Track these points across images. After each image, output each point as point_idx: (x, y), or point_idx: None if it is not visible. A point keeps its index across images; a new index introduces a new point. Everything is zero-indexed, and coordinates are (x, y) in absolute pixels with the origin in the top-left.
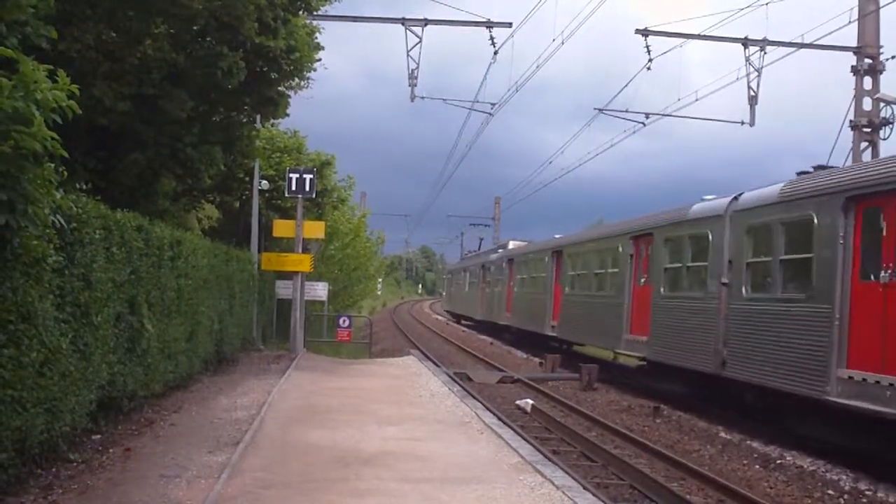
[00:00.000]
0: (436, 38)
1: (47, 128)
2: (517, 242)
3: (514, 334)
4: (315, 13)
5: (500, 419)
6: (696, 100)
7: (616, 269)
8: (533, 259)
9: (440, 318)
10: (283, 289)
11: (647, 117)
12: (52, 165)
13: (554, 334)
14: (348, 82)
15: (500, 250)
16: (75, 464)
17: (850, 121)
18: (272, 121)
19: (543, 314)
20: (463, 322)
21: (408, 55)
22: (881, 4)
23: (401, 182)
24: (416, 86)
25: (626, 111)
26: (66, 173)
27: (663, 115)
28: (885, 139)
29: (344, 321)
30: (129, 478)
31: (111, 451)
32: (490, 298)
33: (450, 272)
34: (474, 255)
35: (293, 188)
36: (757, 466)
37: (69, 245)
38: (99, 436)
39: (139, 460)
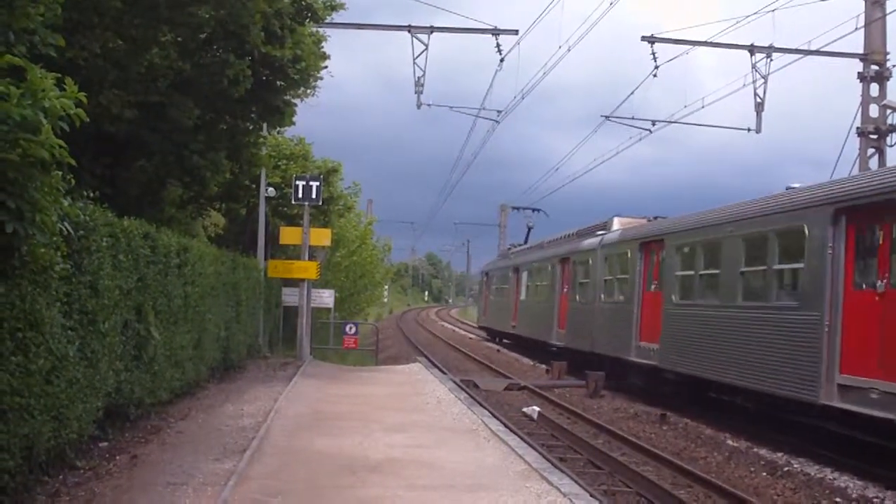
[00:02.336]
0: (442, 46)
1: (55, 135)
2: (629, 220)
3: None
4: (321, 22)
5: (506, 426)
6: (703, 107)
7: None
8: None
9: (447, 325)
10: (290, 296)
11: (654, 124)
12: (60, 173)
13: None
14: (360, 89)
15: (602, 233)
16: (82, 471)
17: (857, 128)
18: (278, 129)
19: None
20: (503, 342)
21: (414, 62)
22: (888, 11)
23: (408, 189)
24: (422, 93)
25: (633, 118)
26: (73, 181)
27: (669, 122)
28: (891, 146)
29: (350, 328)
30: (135, 485)
31: (118, 458)
32: (590, 314)
33: (486, 273)
34: (537, 246)
35: (300, 195)
36: (764, 474)
37: (76, 253)
38: (106, 443)
39: (146, 468)
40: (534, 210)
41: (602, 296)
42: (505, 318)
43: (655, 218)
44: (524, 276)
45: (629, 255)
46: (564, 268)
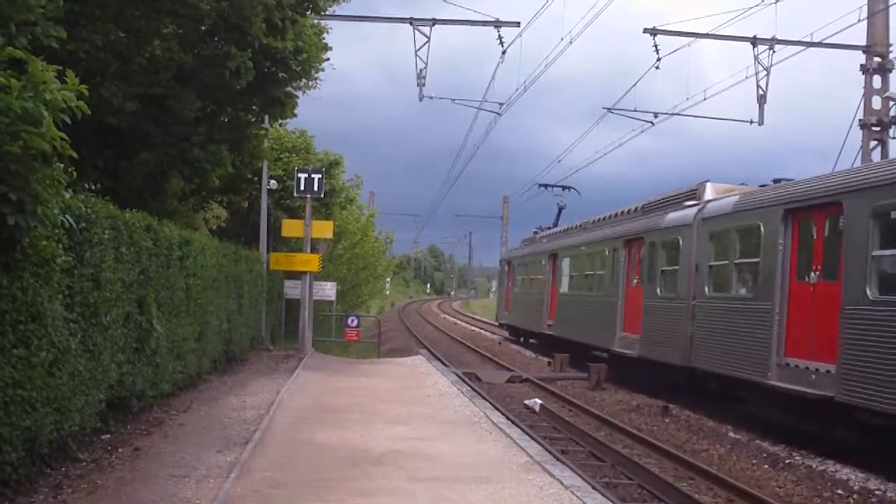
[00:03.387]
0: (444, 38)
1: (56, 128)
2: (728, 187)
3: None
4: (323, 13)
5: (508, 419)
6: (705, 98)
7: None
8: None
9: (448, 317)
10: (292, 288)
11: (656, 116)
12: (62, 165)
13: None
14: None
15: (694, 204)
16: (85, 463)
17: (860, 119)
18: (280, 121)
19: None
20: (530, 343)
21: (416, 55)
22: (890, 3)
23: (410, 181)
24: (424, 85)
25: (635, 110)
26: (75, 173)
27: (672, 114)
28: (894, 138)
29: (352, 321)
30: (138, 477)
31: (120, 450)
32: (682, 313)
33: (507, 262)
34: (577, 228)
35: (302, 188)
36: (766, 466)
37: (78, 245)
38: (108, 435)
39: (148, 460)
40: (564, 188)
41: (707, 288)
42: (535, 315)
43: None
44: (564, 263)
45: (763, 229)
46: (631, 251)
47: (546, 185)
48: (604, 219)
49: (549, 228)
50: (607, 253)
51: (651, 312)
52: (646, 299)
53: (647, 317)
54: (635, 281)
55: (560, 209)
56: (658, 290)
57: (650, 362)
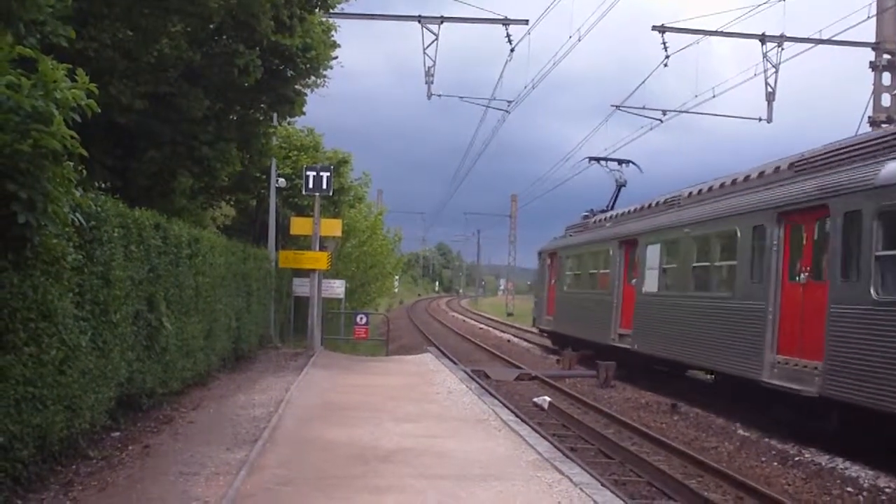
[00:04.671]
0: (453, 36)
1: (66, 126)
2: None
3: None
4: (331, 11)
5: (517, 416)
6: (713, 96)
7: None
8: None
9: (457, 315)
10: (301, 286)
11: (665, 114)
12: (71, 164)
13: None
14: (373, 80)
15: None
16: (95, 461)
17: (869, 117)
18: (288, 119)
19: None
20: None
21: (424, 52)
22: None
23: (418, 179)
24: (432, 83)
25: (644, 107)
26: (84, 172)
27: (680, 111)
28: None
29: (361, 319)
30: (148, 475)
31: (130, 448)
32: None
33: (550, 254)
34: (669, 203)
35: (310, 186)
36: (775, 463)
37: (88, 243)
38: (118, 433)
39: (158, 457)
40: (621, 162)
41: None
42: (598, 321)
43: None
44: (651, 252)
45: None
46: (791, 234)
47: (598, 159)
48: (721, 186)
49: (606, 210)
50: (742, 234)
51: (854, 324)
52: (834, 303)
53: (840, 330)
54: (803, 276)
55: (619, 187)
56: (873, 289)
57: (850, 407)
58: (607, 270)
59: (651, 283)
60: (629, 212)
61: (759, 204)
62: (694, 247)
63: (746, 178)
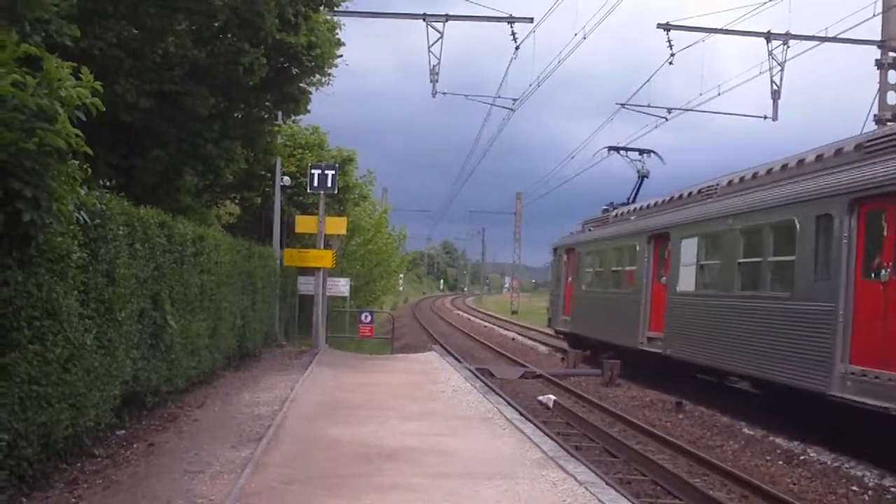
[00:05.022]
0: (458, 34)
1: (71, 125)
2: None
3: None
4: (336, 9)
5: (522, 415)
6: (719, 94)
7: None
8: None
9: (462, 313)
10: (305, 284)
11: (670, 112)
12: (76, 162)
13: None
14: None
15: None
16: (100, 459)
17: (875, 115)
18: (293, 117)
19: None
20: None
21: (429, 51)
22: None
23: (424, 177)
24: (437, 81)
25: (649, 105)
26: (89, 170)
27: (685, 109)
28: None
29: (366, 317)
30: (152, 473)
31: (135, 446)
32: None
33: (567, 250)
34: (707, 192)
35: (315, 184)
36: (780, 462)
37: (93, 241)
38: (123, 431)
39: (163, 455)
40: (642, 152)
41: None
42: (622, 324)
43: None
44: (687, 248)
45: None
46: (867, 223)
47: (619, 149)
48: (768, 173)
49: (628, 203)
50: (802, 225)
51: None
52: None
53: None
54: (885, 272)
55: (641, 178)
56: None
57: None
58: (633, 267)
59: (687, 281)
60: (656, 204)
61: (825, 190)
62: (740, 240)
63: (800, 162)
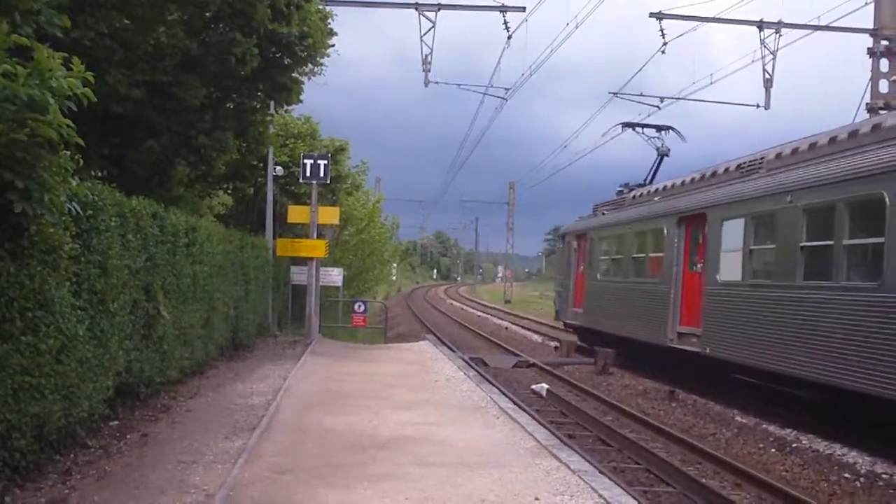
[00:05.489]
0: (450, 23)
1: (62, 115)
2: None
3: None
4: None
5: (515, 404)
6: (711, 83)
7: None
8: None
9: (455, 303)
10: (298, 274)
11: (662, 101)
12: (68, 153)
13: None
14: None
15: None
16: (93, 450)
17: (867, 103)
18: (286, 107)
19: None
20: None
21: (421, 40)
22: None
23: (416, 167)
24: (429, 71)
25: (641, 94)
26: (81, 161)
27: (677, 98)
28: None
29: (359, 306)
30: (146, 463)
31: (128, 437)
32: None
33: (578, 236)
34: (753, 166)
35: (307, 174)
36: (773, 450)
37: (85, 232)
38: (116, 422)
39: (156, 446)
40: (660, 128)
41: None
42: (646, 317)
43: None
44: (730, 231)
45: None
46: None
47: (634, 125)
48: (831, 142)
49: (645, 184)
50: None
51: None
52: None
53: None
54: None
55: (661, 156)
56: None
57: None
58: (660, 254)
59: (731, 269)
60: (683, 183)
61: None
62: (803, 221)
63: (875, 127)
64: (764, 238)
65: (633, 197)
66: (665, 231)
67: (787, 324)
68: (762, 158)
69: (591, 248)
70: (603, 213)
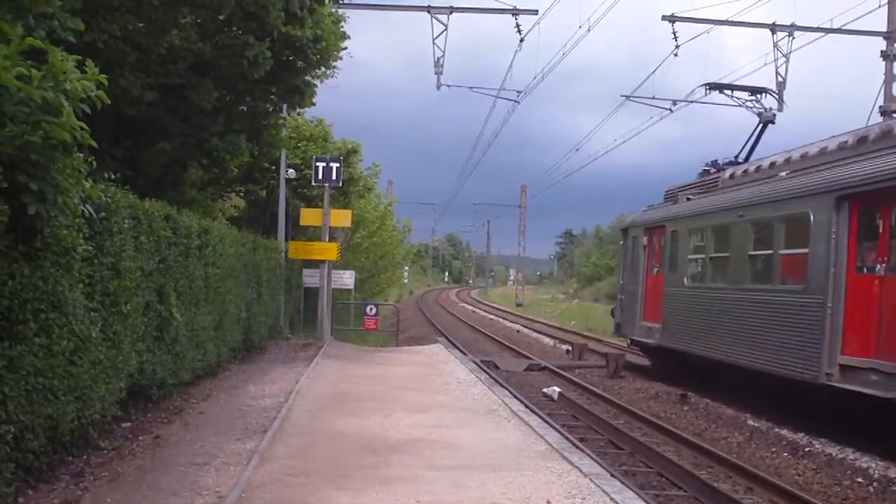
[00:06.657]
0: (462, 26)
1: (76, 118)
2: None
3: None
4: (341, 1)
5: (527, 407)
6: None
7: None
8: None
9: (467, 306)
10: (310, 277)
11: (675, 103)
12: (81, 155)
13: None
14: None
15: None
16: (105, 451)
17: (880, 106)
18: (298, 110)
19: None
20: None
21: (433, 43)
22: None
23: (428, 170)
24: (442, 73)
25: (654, 97)
26: (94, 163)
27: (690, 101)
28: None
29: (371, 309)
30: (158, 465)
31: (141, 438)
32: None
33: (649, 229)
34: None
35: (320, 177)
36: (785, 454)
37: (98, 234)
38: (129, 423)
39: (168, 448)
40: (754, 91)
41: None
42: (777, 341)
43: None
44: None
45: None
46: None
47: (721, 87)
48: None
49: (740, 162)
50: None
51: None
52: None
53: None
54: None
55: (765, 123)
56: None
57: None
58: (802, 250)
59: None
60: (821, 151)
61: None
62: None
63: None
64: None
65: (731, 176)
66: (812, 218)
67: None
68: None
69: (673, 243)
70: (688, 199)
